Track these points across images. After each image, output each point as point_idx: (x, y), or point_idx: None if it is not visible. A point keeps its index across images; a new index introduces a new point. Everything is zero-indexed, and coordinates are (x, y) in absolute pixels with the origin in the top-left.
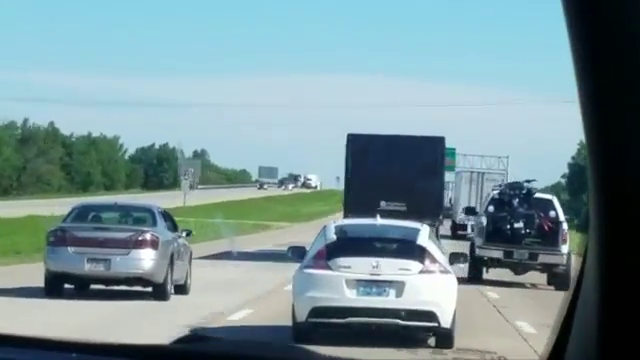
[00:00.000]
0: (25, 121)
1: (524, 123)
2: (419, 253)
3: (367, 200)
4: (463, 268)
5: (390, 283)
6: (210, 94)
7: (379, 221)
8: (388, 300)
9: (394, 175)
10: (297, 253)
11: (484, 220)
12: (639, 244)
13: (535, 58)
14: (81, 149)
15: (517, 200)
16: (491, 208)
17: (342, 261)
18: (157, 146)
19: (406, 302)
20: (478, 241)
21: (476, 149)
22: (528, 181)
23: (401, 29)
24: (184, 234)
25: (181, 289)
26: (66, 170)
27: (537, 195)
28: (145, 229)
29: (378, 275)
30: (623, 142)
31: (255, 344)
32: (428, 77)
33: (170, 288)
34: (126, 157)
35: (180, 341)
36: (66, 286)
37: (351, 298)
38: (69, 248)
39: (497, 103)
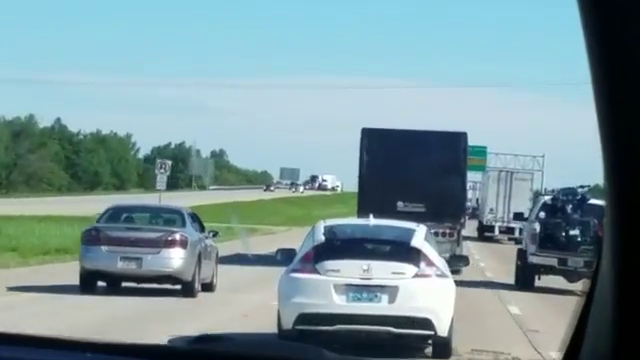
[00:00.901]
0: (30, 117)
1: (560, 122)
2: (414, 255)
3: (382, 201)
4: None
5: (382, 288)
6: (233, 96)
7: (372, 221)
8: (380, 306)
9: (412, 174)
10: (286, 256)
11: (537, 226)
12: None
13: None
14: (89, 147)
15: (571, 206)
16: (542, 214)
17: (331, 264)
18: (173, 145)
19: (399, 308)
20: (531, 248)
21: (509, 148)
22: (582, 187)
23: (429, 32)
24: (211, 235)
25: (208, 287)
26: (73, 169)
27: (591, 201)
28: (175, 230)
29: (369, 279)
30: (638, 142)
31: (267, 344)
32: (456, 81)
33: (198, 286)
34: (140, 156)
35: (194, 341)
36: (99, 284)
37: (340, 304)
38: (103, 247)
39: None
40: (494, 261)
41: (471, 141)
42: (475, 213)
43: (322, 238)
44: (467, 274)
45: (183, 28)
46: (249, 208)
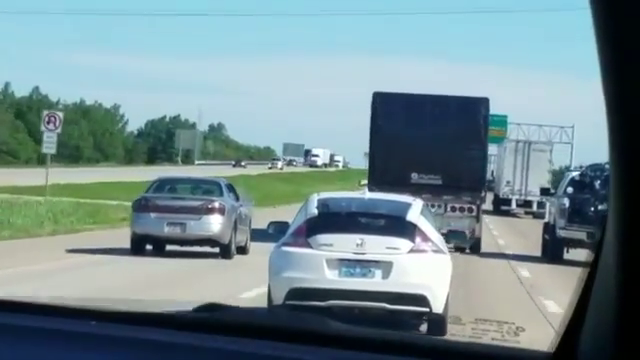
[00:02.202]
0: (6, 85)
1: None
2: (409, 230)
3: (395, 172)
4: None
5: (376, 263)
6: (235, 72)
7: (367, 195)
8: (373, 282)
9: (428, 143)
10: (279, 229)
11: (566, 201)
12: None
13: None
14: (69, 118)
15: (599, 182)
16: (570, 189)
17: (323, 238)
18: (168, 118)
19: (394, 284)
20: (560, 222)
21: (533, 118)
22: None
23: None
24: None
25: (242, 250)
26: None
27: None
28: (214, 198)
29: (363, 254)
30: None
31: (271, 313)
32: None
33: (234, 249)
34: (131, 130)
35: (198, 310)
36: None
37: (332, 279)
38: (151, 214)
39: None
40: (514, 237)
41: (491, 109)
42: (491, 185)
43: (315, 212)
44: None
45: (184, 5)
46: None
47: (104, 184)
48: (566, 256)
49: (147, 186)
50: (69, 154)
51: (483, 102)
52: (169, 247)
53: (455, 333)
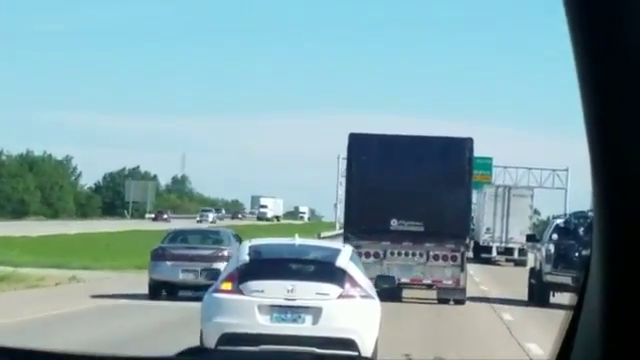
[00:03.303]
0: None
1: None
2: (338, 276)
3: (373, 219)
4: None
5: (306, 309)
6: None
7: (297, 241)
8: (304, 327)
9: (408, 186)
10: (211, 275)
11: (552, 247)
12: None
13: None
14: (13, 171)
15: (582, 229)
16: (555, 236)
17: (255, 285)
18: (127, 171)
19: (323, 329)
20: (546, 267)
21: (521, 160)
22: (592, 211)
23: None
24: None
25: None
26: None
27: None
28: (222, 247)
29: (293, 300)
30: (628, 150)
31: (252, 355)
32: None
33: None
34: (86, 183)
35: (181, 354)
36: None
37: (264, 324)
38: (167, 262)
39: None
40: (497, 285)
41: (478, 152)
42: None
43: (246, 258)
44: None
45: (146, 61)
46: (115, 239)
47: None
48: (552, 300)
49: (163, 237)
50: (13, 209)
51: (467, 142)
52: (182, 292)
53: None
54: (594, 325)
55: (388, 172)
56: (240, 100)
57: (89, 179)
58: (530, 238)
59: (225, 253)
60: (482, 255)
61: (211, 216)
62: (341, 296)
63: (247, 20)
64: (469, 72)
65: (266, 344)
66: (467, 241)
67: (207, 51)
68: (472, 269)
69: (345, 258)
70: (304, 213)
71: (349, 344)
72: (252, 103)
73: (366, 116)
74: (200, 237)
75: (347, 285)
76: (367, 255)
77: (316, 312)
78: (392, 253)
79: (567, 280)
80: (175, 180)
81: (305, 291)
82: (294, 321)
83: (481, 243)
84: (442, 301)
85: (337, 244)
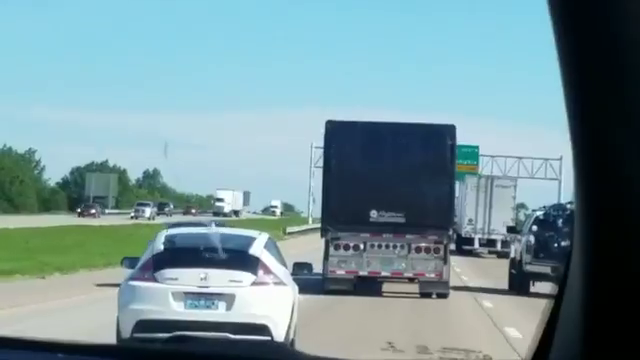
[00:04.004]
0: None
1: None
2: (252, 264)
3: (352, 210)
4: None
5: (219, 295)
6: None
7: (214, 229)
8: (217, 313)
9: (388, 176)
10: (130, 263)
11: (532, 238)
12: (624, 245)
13: None
14: None
15: (561, 220)
16: (535, 228)
17: (169, 273)
18: (95, 165)
19: (236, 315)
20: (526, 257)
21: (510, 149)
22: (571, 203)
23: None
24: None
25: None
26: None
27: None
28: None
29: (207, 287)
30: (611, 142)
31: (240, 344)
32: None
33: None
34: (49, 177)
35: (167, 341)
36: None
37: (178, 311)
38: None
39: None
40: (478, 276)
41: (460, 139)
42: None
43: (161, 247)
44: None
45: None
46: (43, 236)
47: None
48: (532, 289)
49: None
50: None
51: (449, 130)
52: None
53: None
54: (575, 313)
55: (367, 161)
56: (215, 97)
57: (58, 175)
58: (511, 229)
59: None
60: (464, 247)
61: (148, 211)
62: (254, 283)
63: (212, 16)
64: (452, 59)
65: (180, 330)
66: (450, 232)
67: (179, 49)
68: (454, 261)
69: (259, 246)
70: (276, 207)
71: (262, 329)
72: (230, 99)
73: (345, 109)
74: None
75: (260, 272)
76: (346, 248)
77: (229, 299)
78: (372, 245)
79: (546, 270)
80: (147, 175)
81: (218, 278)
82: (207, 307)
83: (463, 235)
84: (424, 295)
85: (254, 232)
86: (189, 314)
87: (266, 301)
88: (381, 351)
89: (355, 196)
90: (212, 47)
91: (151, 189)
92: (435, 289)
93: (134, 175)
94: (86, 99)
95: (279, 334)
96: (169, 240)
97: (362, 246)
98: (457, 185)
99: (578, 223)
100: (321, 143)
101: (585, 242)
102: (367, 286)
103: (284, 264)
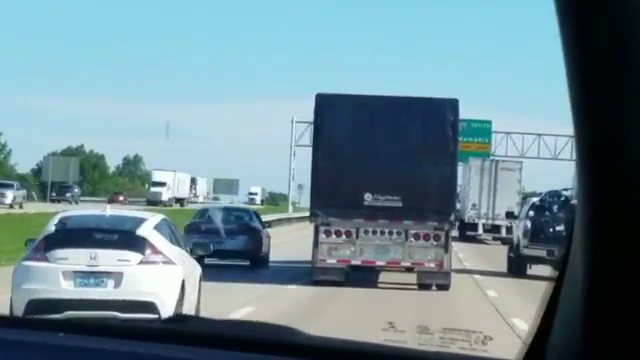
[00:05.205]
0: None
1: None
2: (140, 244)
3: (345, 193)
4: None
5: (108, 274)
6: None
7: (108, 212)
8: (106, 291)
9: (384, 156)
10: (31, 245)
11: (529, 223)
12: (625, 231)
13: None
14: None
15: (556, 206)
16: (531, 213)
17: (59, 253)
18: (71, 151)
19: (124, 293)
20: (523, 242)
21: (527, 124)
22: (566, 189)
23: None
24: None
25: (264, 260)
26: None
27: (573, 201)
28: (245, 222)
29: (96, 266)
30: (613, 134)
31: (240, 324)
32: None
33: (262, 259)
34: (17, 163)
35: (166, 321)
36: None
37: (68, 289)
38: (197, 235)
39: None
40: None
41: (472, 113)
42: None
43: (53, 229)
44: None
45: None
46: None
47: None
48: (529, 271)
49: (193, 214)
50: None
51: (451, 104)
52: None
53: (423, 342)
54: (576, 295)
55: (361, 139)
56: (213, 86)
57: (33, 161)
58: (509, 215)
59: (247, 227)
60: (467, 233)
61: (10, 195)
62: (142, 262)
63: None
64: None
65: (71, 309)
66: (452, 218)
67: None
68: (456, 247)
69: (148, 227)
70: (255, 195)
71: (150, 307)
72: (228, 89)
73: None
74: (225, 213)
75: (148, 252)
76: (337, 234)
77: (117, 277)
78: (366, 232)
79: (542, 253)
80: (127, 161)
81: (107, 258)
82: (97, 285)
83: (466, 220)
84: (423, 286)
85: (148, 215)
86: (79, 292)
87: (153, 279)
88: (382, 331)
89: (347, 177)
90: (203, 35)
91: (132, 177)
92: (435, 280)
93: (114, 162)
94: (67, 87)
95: (166, 311)
96: (61, 222)
97: (355, 232)
98: (460, 168)
99: (580, 202)
100: (303, 116)
101: (587, 222)
102: (361, 276)
103: (179, 243)
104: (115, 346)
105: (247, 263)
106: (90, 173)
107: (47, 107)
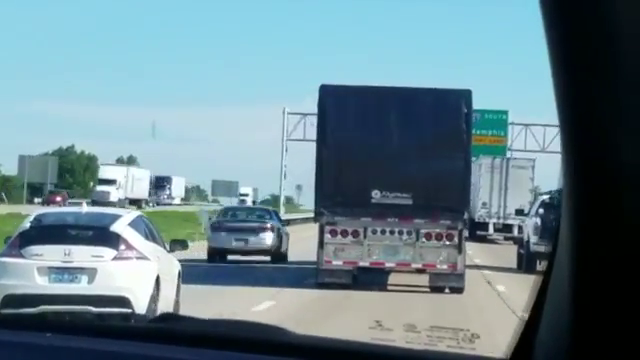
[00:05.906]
0: None
1: None
2: (113, 240)
3: (351, 190)
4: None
5: (82, 270)
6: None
7: (85, 209)
8: (80, 287)
9: (393, 150)
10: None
11: (538, 221)
12: (610, 230)
13: None
14: None
15: None
16: (541, 210)
17: (34, 249)
18: (61, 151)
19: (98, 288)
20: (533, 238)
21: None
22: None
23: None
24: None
25: (284, 256)
26: None
27: None
28: (266, 221)
29: (70, 262)
30: (597, 132)
31: (229, 323)
32: None
33: (283, 255)
34: (2, 164)
35: (153, 320)
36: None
37: (42, 285)
38: (223, 233)
39: None
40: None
41: (488, 104)
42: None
43: (27, 225)
44: None
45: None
46: None
47: None
48: (538, 268)
49: (217, 213)
50: None
51: (464, 95)
52: (231, 257)
53: (410, 341)
54: (563, 290)
55: (369, 132)
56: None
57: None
58: (519, 212)
59: (268, 225)
60: (478, 232)
61: None
62: (115, 258)
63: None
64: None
65: (45, 304)
66: (465, 216)
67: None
68: (467, 247)
69: (122, 224)
70: (246, 196)
71: (123, 302)
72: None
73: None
74: (247, 213)
75: (121, 247)
76: (344, 234)
77: (91, 272)
78: (374, 231)
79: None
80: (120, 160)
81: (81, 253)
82: (71, 281)
83: (476, 219)
84: (435, 289)
85: (122, 211)
86: (53, 288)
87: (127, 275)
88: (369, 330)
89: (354, 173)
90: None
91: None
92: (448, 282)
93: (109, 160)
94: (67, 89)
95: (140, 306)
96: (37, 219)
97: (362, 232)
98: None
99: (566, 195)
100: (296, 108)
101: (572, 224)
102: (369, 278)
103: (156, 240)
104: (103, 346)
105: (268, 258)
106: (81, 175)
107: (47, 108)
